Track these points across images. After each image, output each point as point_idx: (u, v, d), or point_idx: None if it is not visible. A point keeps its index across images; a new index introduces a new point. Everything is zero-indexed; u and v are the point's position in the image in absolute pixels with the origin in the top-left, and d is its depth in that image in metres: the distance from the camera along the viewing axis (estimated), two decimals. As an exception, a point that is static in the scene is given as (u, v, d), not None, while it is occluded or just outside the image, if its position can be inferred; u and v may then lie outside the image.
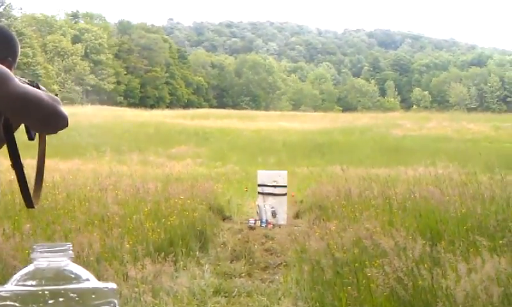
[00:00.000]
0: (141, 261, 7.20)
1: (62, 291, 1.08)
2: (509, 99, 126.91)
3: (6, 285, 1.09)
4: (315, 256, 7.36)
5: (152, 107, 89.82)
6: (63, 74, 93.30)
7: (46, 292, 1.07)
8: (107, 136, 39.20)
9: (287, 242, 10.44)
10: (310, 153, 34.70)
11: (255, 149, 36.72)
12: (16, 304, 1.05)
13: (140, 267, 7.02)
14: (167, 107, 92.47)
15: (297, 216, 14.63)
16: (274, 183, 14.09)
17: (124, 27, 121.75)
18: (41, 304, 1.06)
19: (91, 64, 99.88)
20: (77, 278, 1.11)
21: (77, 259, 1.15)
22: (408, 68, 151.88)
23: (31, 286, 1.08)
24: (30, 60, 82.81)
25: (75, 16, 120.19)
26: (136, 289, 6.30)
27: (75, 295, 1.08)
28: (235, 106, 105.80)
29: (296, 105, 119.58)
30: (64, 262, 1.12)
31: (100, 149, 29.92)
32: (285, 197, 14.15)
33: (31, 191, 2.40)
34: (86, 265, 5.50)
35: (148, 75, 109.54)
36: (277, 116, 64.19)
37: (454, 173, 13.09)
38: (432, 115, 60.88)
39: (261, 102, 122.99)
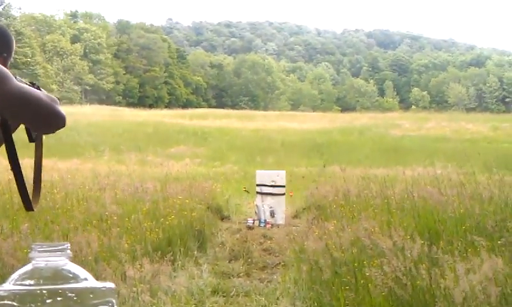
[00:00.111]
0: (139, 261, 7.20)
1: (60, 291, 1.08)
2: (507, 99, 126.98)
3: (4, 284, 1.09)
4: (313, 256, 7.36)
5: (150, 106, 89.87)
6: (61, 74, 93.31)
7: (44, 291, 1.07)
8: (105, 136, 39.19)
9: (285, 242, 10.44)
10: (309, 153, 34.70)
11: (253, 149, 36.72)
12: (14, 303, 1.05)
13: (138, 266, 7.02)
14: (166, 106, 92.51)
15: (295, 216, 14.63)
16: (273, 183, 14.09)
17: (123, 27, 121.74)
18: (39, 304, 1.06)
19: (90, 64, 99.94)
20: (75, 278, 1.11)
21: (75, 259, 1.15)
22: (406, 68, 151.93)
23: (29, 285, 1.08)
24: (29, 60, 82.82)
25: (74, 16, 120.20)
26: (134, 288, 6.30)
27: (73, 294, 1.08)
28: (234, 106, 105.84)
29: (295, 105, 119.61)
30: (62, 262, 1.12)
31: (99, 149, 29.92)
32: (284, 197, 14.15)
33: (30, 193, 2.40)
34: (84, 264, 5.49)
35: (147, 75, 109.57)
36: (276, 116, 64.19)
37: (453, 173, 13.08)
38: (431, 115, 60.90)
39: (260, 101, 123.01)
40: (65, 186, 13.08)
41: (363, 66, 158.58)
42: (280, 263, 9.36)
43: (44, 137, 2.50)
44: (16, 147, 2.30)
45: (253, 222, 13.30)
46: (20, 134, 2.46)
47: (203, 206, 12.87)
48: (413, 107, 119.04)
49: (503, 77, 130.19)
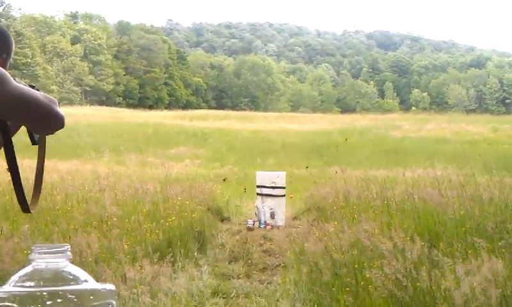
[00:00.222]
0: (139, 262, 7.20)
1: (60, 293, 1.08)
2: (507, 101, 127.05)
3: (4, 286, 1.09)
4: (313, 258, 7.36)
5: (150, 107, 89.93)
6: (62, 75, 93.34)
7: (44, 293, 1.07)
8: (105, 137, 39.19)
9: (286, 243, 10.43)
10: (309, 155, 34.70)
11: (253, 150, 36.72)
12: (15, 305, 1.05)
13: (138, 267, 7.02)
14: (166, 107, 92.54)
15: (295, 217, 14.62)
16: (273, 185, 14.09)
17: (123, 28, 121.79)
18: (39, 305, 1.06)
19: (90, 65, 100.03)
20: (76, 279, 1.11)
21: (75, 260, 1.15)
22: (407, 70, 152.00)
23: (29, 287, 1.08)
24: (29, 60, 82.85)
25: (74, 16, 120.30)
26: (134, 290, 6.30)
27: (74, 296, 1.08)
28: (234, 107, 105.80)
29: (295, 106, 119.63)
30: (62, 263, 1.12)
31: (99, 150, 29.89)
32: (284, 198, 14.14)
33: (30, 194, 2.39)
34: (84, 266, 5.49)
35: (147, 76, 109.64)
36: (276, 117, 64.14)
37: (453, 175, 13.06)
38: (431, 117, 60.82)
39: (260, 103, 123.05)
40: (65, 187, 13.07)
41: (363, 68, 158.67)
42: (280, 264, 9.36)
43: (46, 139, 2.50)
44: (17, 148, 2.30)
45: (253, 224, 13.29)
46: (20, 136, 2.45)
47: (203, 207, 12.87)
48: (413, 108, 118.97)
49: (503, 78, 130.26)
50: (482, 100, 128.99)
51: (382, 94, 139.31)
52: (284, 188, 14.27)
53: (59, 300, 1.07)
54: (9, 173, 2.31)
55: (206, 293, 7.52)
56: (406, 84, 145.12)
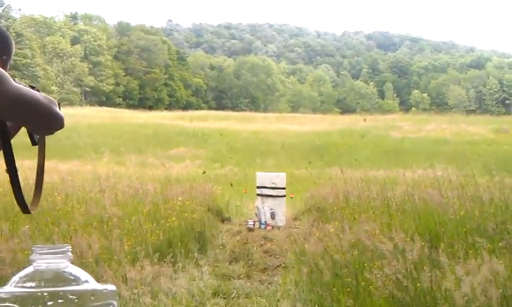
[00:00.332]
0: (140, 263, 7.19)
1: (61, 293, 1.07)
2: (507, 101, 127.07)
3: (5, 287, 1.09)
4: (314, 258, 7.36)
5: (150, 108, 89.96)
6: (61, 75, 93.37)
7: (45, 294, 1.07)
8: (106, 137, 39.23)
9: (286, 244, 10.44)
10: (309, 155, 34.72)
11: (253, 151, 36.77)
12: (16, 306, 1.05)
13: (139, 268, 7.01)
14: (166, 108, 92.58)
15: (296, 218, 14.62)
16: (273, 185, 14.09)
17: (123, 29, 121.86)
18: (40, 306, 1.06)
19: (90, 66, 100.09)
20: (76, 280, 1.11)
21: (76, 261, 1.14)
22: (406, 70, 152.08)
23: (30, 287, 1.08)
24: (29, 61, 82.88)
25: (74, 17, 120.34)
26: (135, 290, 6.30)
27: (74, 296, 1.08)
28: (234, 108, 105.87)
29: (295, 107, 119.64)
30: (63, 264, 1.12)
31: (99, 151, 29.91)
32: (284, 199, 14.15)
33: (31, 195, 2.39)
34: (84, 266, 5.49)
35: (147, 77, 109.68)
36: (276, 118, 64.16)
37: (453, 175, 13.05)
38: (431, 117, 60.85)
39: (260, 103, 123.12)
40: (65, 188, 13.07)
41: (363, 68, 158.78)
42: (280, 265, 9.36)
43: (46, 140, 2.49)
44: (17, 149, 2.29)
45: (254, 224, 13.29)
46: (20, 137, 2.45)
47: (203, 208, 12.87)
48: (413, 109, 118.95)
49: (503, 79, 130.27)
50: (482, 100, 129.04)
51: (382, 95, 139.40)
52: (284, 189, 14.27)
53: (60, 301, 1.07)
54: (7, 174, 2.30)
55: (207, 294, 7.52)
56: (406, 85, 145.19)
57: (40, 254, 1.12)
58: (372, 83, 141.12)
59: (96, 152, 29.14)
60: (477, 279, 5.20)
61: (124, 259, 7.21)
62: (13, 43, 2.65)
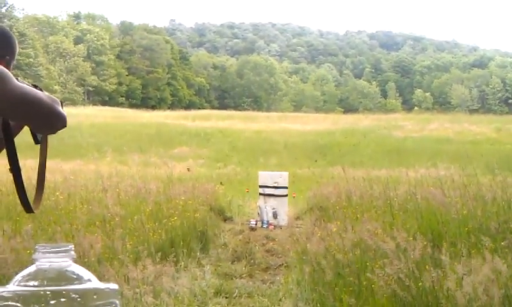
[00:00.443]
0: (142, 262, 7.20)
1: (64, 292, 1.08)
2: (510, 101, 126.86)
3: (8, 285, 1.10)
4: (316, 258, 7.36)
5: (153, 108, 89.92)
6: (64, 75, 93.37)
7: (48, 293, 1.07)
8: (108, 137, 39.26)
9: (288, 243, 10.44)
10: (312, 155, 34.72)
11: (256, 150, 36.78)
12: (18, 305, 1.06)
13: (141, 267, 7.02)
14: (168, 108, 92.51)
15: (298, 217, 14.63)
16: (276, 185, 14.09)
17: (126, 28, 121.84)
18: (43, 305, 1.06)
19: (93, 65, 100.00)
20: (79, 279, 1.12)
21: (78, 260, 1.15)
22: (409, 70, 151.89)
23: (33, 286, 1.08)
24: (32, 61, 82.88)
25: (77, 17, 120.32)
26: (137, 290, 6.30)
27: (77, 295, 1.09)
28: (236, 107, 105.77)
29: (298, 107, 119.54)
30: (66, 263, 1.13)
31: (102, 150, 29.88)
32: (286, 198, 14.16)
33: (33, 194, 2.40)
34: (87, 265, 5.49)
35: (149, 76, 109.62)
36: (278, 117, 64.12)
37: (456, 175, 13.04)
38: (434, 117, 60.78)
39: (262, 103, 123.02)
40: (68, 187, 13.08)
41: (365, 68, 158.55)
42: (282, 264, 9.37)
43: (48, 139, 2.50)
44: (20, 148, 2.30)
45: (256, 224, 13.30)
46: (23, 136, 2.46)
47: (205, 207, 12.88)
48: (416, 108, 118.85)
49: (506, 78, 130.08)
50: (484, 100, 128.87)
51: (384, 94, 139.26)
52: (286, 188, 14.28)
53: (62, 300, 1.07)
54: (11, 174, 2.31)
55: (209, 293, 7.52)
56: (409, 84, 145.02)
57: (43, 253, 1.13)
58: (374, 82, 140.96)
59: (99, 151, 29.12)
60: (479, 279, 5.20)
61: (126, 259, 7.21)
62: (17, 42, 2.66)
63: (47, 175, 2.41)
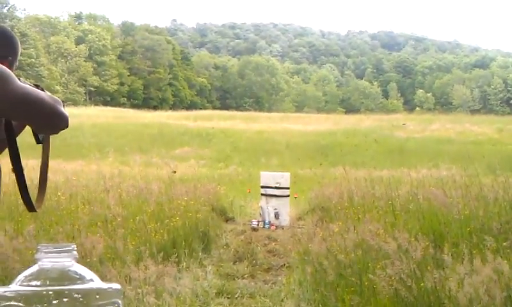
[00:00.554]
0: (144, 263, 7.20)
1: (66, 292, 1.08)
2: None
3: (10, 285, 1.09)
4: (318, 258, 7.35)
5: (155, 108, 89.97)
6: (66, 75, 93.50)
7: (50, 292, 1.07)
8: (110, 137, 39.29)
9: (290, 244, 10.44)
10: (313, 155, 34.71)
11: (258, 150, 36.77)
12: (21, 304, 1.06)
13: (143, 268, 7.02)
14: (170, 108, 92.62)
15: (300, 218, 14.63)
16: (277, 185, 14.09)
17: (127, 29, 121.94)
18: (45, 304, 1.06)
19: (95, 65, 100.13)
20: (82, 278, 1.12)
21: (80, 261, 1.15)
22: (411, 70, 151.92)
23: (36, 286, 1.08)
24: (33, 61, 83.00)
25: (78, 17, 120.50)
26: (139, 290, 6.30)
27: (80, 295, 1.08)
28: (238, 107, 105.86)
29: (299, 107, 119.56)
30: (68, 262, 1.12)
31: (104, 151, 29.93)
32: (288, 198, 14.16)
33: (35, 194, 2.40)
34: (88, 266, 5.49)
35: (151, 77, 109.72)
36: (280, 118, 64.12)
37: (457, 175, 13.04)
38: (436, 117, 60.75)
39: (264, 103, 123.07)
40: (70, 187, 13.08)
41: (367, 68, 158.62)
42: (284, 264, 9.36)
43: (50, 139, 2.50)
44: (21, 148, 2.30)
45: (258, 224, 13.30)
46: (25, 137, 2.46)
47: (207, 207, 12.89)
48: (418, 108, 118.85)
49: (507, 78, 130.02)
50: (486, 100, 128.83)
51: (386, 94, 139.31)
52: (288, 188, 14.28)
53: (65, 300, 1.07)
54: (13, 173, 2.31)
55: (211, 293, 7.52)
56: (410, 85, 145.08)
57: (45, 253, 1.12)
58: (376, 83, 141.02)
59: (101, 152, 29.16)
60: (481, 279, 5.19)
61: (128, 259, 7.21)
62: (19, 44, 2.66)
63: (49, 175, 2.41)
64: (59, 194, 11.46)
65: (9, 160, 2.28)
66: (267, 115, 71.92)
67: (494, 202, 9.49)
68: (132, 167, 22.23)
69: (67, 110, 2.26)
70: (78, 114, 45.65)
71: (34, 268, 1.12)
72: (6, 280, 5.54)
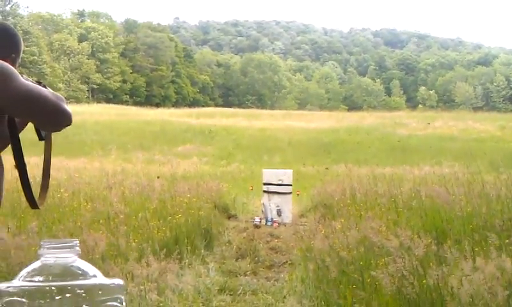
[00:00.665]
0: (146, 260, 7.20)
1: (69, 287, 1.08)
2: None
3: (13, 281, 1.10)
4: (320, 255, 7.35)
5: (157, 105, 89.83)
6: (69, 73, 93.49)
7: (53, 288, 1.07)
8: (113, 135, 39.31)
9: (292, 241, 10.44)
10: (316, 152, 34.69)
11: (260, 148, 36.76)
12: (24, 300, 1.06)
13: (145, 265, 7.02)
14: (173, 105, 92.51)
15: (302, 215, 14.62)
16: (280, 182, 14.09)
17: (130, 26, 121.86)
18: (48, 300, 1.06)
19: (97, 63, 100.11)
20: (84, 274, 1.12)
21: (83, 258, 1.15)
22: (413, 67, 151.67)
23: (38, 282, 1.09)
24: (36, 58, 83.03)
25: (81, 14, 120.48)
26: (142, 287, 6.30)
27: (82, 291, 1.09)
28: (240, 105, 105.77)
29: (302, 104, 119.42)
30: (71, 258, 1.13)
31: (106, 148, 29.91)
32: (291, 195, 14.15)
33: (38, 191, 2.41)
34: (91, 263, 5.49)
35: (153, 74, 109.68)
36: (282, 115, 64.11)
37: (460, 172, 13.03)
38: (438, 114, 60.72)
39: (267, 100, 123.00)
40: (72, 185, 13.09)
41: (370, 65, 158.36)
42: (286, 261, 9.36)
43: (52, 136, 2.51)
44: (24, 145, 2.30)
45: (260, 221, 13.30)
46: (27, 134, 2.46)
47: (210, 205, 12.88)
48: (420, 106, 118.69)
49: (510, 75, 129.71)
50: (489, 97, 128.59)
51: (389, 92, 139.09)
52: (291, 185, 14.27)
53: (68, 295, 1.08)
54: (16, 170, 2.32)
55: (213, 290, 7.52)
56: (413, 82, 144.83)
57: (48, 248, 1.13)
58: (379, 80, 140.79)
59: (104, 149, 29.15)
60: (483, 277, 5.19)
61: (131, 256, 7.22)
62: (22, 42, 2.67)
63: (52, 172, 2.42)
64: (62, 191, 11.47)
65: (12, 157, 2.29)
66: (269, 112, 71.91)
67: (496, 199, 9.49)
68: (135, 165, 22.24)
69: (70, 108, 2.26)
70: (81, 112, 45.64)
71: (37, 264, 1.12)
72: (8, 276, 5.54)
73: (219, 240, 11.15)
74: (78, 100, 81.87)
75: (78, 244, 1.16)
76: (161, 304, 6.45)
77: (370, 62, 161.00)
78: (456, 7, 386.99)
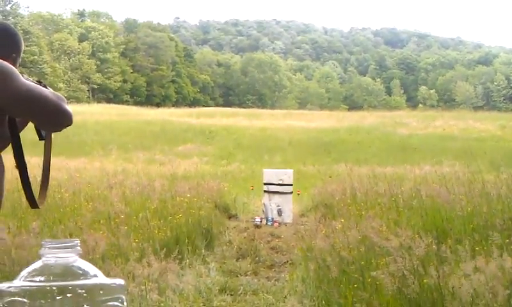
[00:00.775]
0: (146, 259, 7.21)
1: (70, 287, 1.08)
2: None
3: (14, 281, 1.10)
4: (321, 255, 7.35)
5: (158, 105, 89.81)
6: (69, 72, 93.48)
7: (54, 288, 1.07)
8: (113, 134, 39.30)
9: (293, 241, 10.44)
10: (316, 152, 34.68)
11: (261, 147, 36.74)
12: (25, 300, 1.06)
13: (146, 264, 7.02)
14: (173, 105, 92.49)
15: (303, 214, 14.62)
16: (280, 182, 14.09)
17: (130, 26, 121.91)
18: (49, 300, 1.06)
19: (98, 63, 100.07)
20: (85, 274, 1.12)
21: (83, 258, 1.15)
22: (414, 67, 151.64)
23: (39, 282, 1.09)
24: (36, 58, 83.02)
25: (81, 14, 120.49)
26: (142, 287, 6.30)
27: (83, 291, 1.09)
28: (241, 104, 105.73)
29: (302, 104, 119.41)
30: (72, 258, 1.13)
31: (107, 148, 29.93)
32: (291, 195, 14.14)
33: (38, 190, 2.41)
34: (91, 263, 5.49)
35: (154, 74, 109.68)
36: (283, 115, 64.08)
37: (460, 172, 13.04)
38: (439, 114, 60.71)
39: (267, 100, 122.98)
40: (73, 185, 13.10)
41: (370, 65, 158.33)
42: (287, 261, 9.36)
43: (52, 135, 2.51)
44: (24, 145, 2.31)
45: (261, 221, 13.28)
46: (28, 134, 2.46)
47: (210, 204, 12.88)
48: (421, 105, 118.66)
49: (510, 75, 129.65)
50: (489, 97, 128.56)
51: (389, 91, 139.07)
52: (291, 185, 14.27)
53: (68, 295, 1.08)
54: (17, 170, 2.32)
55: (214, 290, 7.52)
56: (413, 81, 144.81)
57: (49, 248, 1.13)
58: (379, 80, 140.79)
59: (104, 149, 29.17)
60: (484, 276, 5.19)
61: (131, 256, 7.22)
62: (23, 41, 2.67)
63: (52, 173, 2.42)
64: (63, 191, 11.49)
65: (13, 156, 2.29)
66: (270, 112, 71.90)
67: (497, 199, 9.48)
68: (135, 164, 22.24)
69: (70, 108, 2.27)
70: (81, 112, 45.64)
71: (38, 264, 1.12)
72: (9, 276, 5.54)
73: (220, 239, 11.14)
74: (78, 100, 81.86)
75: (79, 244, 1.16)
76: (162, 304, 6.45)
77: (370, 62, 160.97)
78: (456, 7, 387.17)
